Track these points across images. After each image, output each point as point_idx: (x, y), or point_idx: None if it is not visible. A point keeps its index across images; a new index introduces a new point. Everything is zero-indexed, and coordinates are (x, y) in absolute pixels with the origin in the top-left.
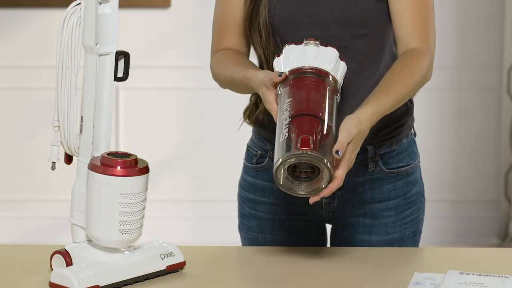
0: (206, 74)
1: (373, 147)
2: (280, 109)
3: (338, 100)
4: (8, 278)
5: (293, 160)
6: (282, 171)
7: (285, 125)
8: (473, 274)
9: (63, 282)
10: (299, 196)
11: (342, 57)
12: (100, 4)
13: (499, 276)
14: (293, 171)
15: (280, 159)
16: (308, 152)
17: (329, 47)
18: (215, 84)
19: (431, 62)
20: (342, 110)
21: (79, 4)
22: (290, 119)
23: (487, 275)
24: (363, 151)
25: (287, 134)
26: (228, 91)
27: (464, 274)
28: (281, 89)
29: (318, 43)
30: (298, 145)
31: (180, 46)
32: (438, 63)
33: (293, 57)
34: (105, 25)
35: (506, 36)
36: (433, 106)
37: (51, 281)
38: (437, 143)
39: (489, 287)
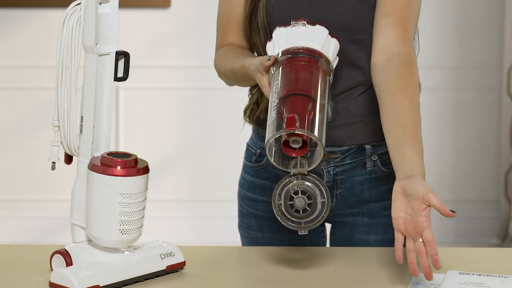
0: (206, 74)
1: (372, 146)
2: (270, 92)
3: (331, 79)
4: (8, 278)
5: (279, 136)
6: (272, 150)
7: (274, 107)
8: (473, 274)
9: (63, 282)
10: (295, 229)
11: (333, 34)
12: (100, 4)
13: (499, 276)
14: (291, 205)
15: (269, 140)
16: (294, 129)
17: (317, 26)
18: (215, 84)
19: (415, 64)
20: (337, 111)
21: (79, 4)
22: (278, 101)
23: (487, 275)
24: (361, 149)
25: (275, 115)
26: (228, 91)
27: (464, 274)
28: (273, 71)
29: (306, 22)
30: (284, 124)
31: (180, 46)
32: (438, 63)
33: (282, 39)
34: (105, 25)
35: (506, 36)
36: (433, 106)
37: (51, 281)
38: (437, 143)
39: (489, 287)
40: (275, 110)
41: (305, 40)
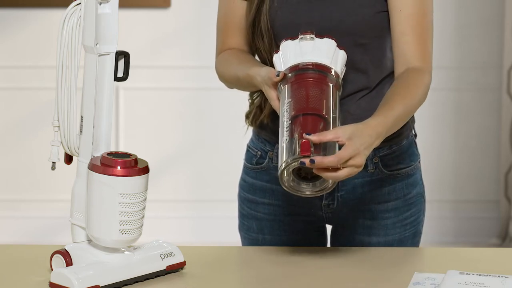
0: (206, 74)
1: (373, 148)
2: (281, 111)
3: (340, 92)
4: (8, 278)
5: (295, 164)
6: (286, 175)
7: (286, 127)
8: (473, 274)
9: (63, 282)
10: (306, 196)
11: (340, 46)
12: (100, 4)
13: (499, 276)
14: (298, 172)
15: (283, 165)
16: (309, 155)
17: (325, 39)
18: (215, 84)
19: (430, 80)
20: (343, 117)
21: (79, 4)
22: (290, 121)
23: (487, 275)
24: None
25: (288, 137)
26: (228, 91)
27: (464, 274)
28: (281, 87)
29: (314, 36)
30: (299, 149)
31: (180, 46)
32: (438, 63)
33: (290, 53)
34: (105, 25)
35: (506, 36)
36: (433, 106)
37: (51, 281)
38: (437, 143)
39: (489, 287)
40: (288, 132)
41: (313, 54)
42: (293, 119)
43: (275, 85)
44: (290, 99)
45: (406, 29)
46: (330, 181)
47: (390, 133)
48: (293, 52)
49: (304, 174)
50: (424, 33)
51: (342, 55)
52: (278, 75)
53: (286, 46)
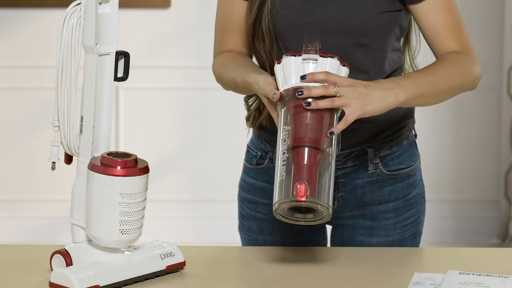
0: (206, 74)
1: (373, 149)
2: (279, 137)
3: (338, 114)
4: (8, 278)
5: (289, 205)
6: (279, 211)
7: (283, 160)
8: (473, 274)
9: (63, 282)
10: (300, 225)
11: (344, 62)
12: (100, 4)
13: (499, 276)
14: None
15: (276, 204)
16: (304, 201)
17: (328, 58)
18: (215, 84)
19: (472, 60)
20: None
21: (79, 4)
22: (288, 154)
23: (487, 275)
24: (362, 153)
25: (284, 173)
26: (228, 91)
27: (464, 274)
28: (279, 106)
29: (317, 55)
30: (295, 192)
31: (180, 46)
32: None
33: (292, 71)
34: (105, 25)
35: (506, 36)
36: (433, 106)
37: (51, 281)
38: (437, 144)
39: (489, 287)
40: (285, 167)
41: None
42: (291, 151)
43: (274, 103)
44: (289, 127)
45: (438, 28)
46: (324, 213)
47: (407, 89)
48: (295, 72)
49: (298, 208)
50: (456, 24)
51: (344, 72)
52: (273, 97)
53: (288, 61)
